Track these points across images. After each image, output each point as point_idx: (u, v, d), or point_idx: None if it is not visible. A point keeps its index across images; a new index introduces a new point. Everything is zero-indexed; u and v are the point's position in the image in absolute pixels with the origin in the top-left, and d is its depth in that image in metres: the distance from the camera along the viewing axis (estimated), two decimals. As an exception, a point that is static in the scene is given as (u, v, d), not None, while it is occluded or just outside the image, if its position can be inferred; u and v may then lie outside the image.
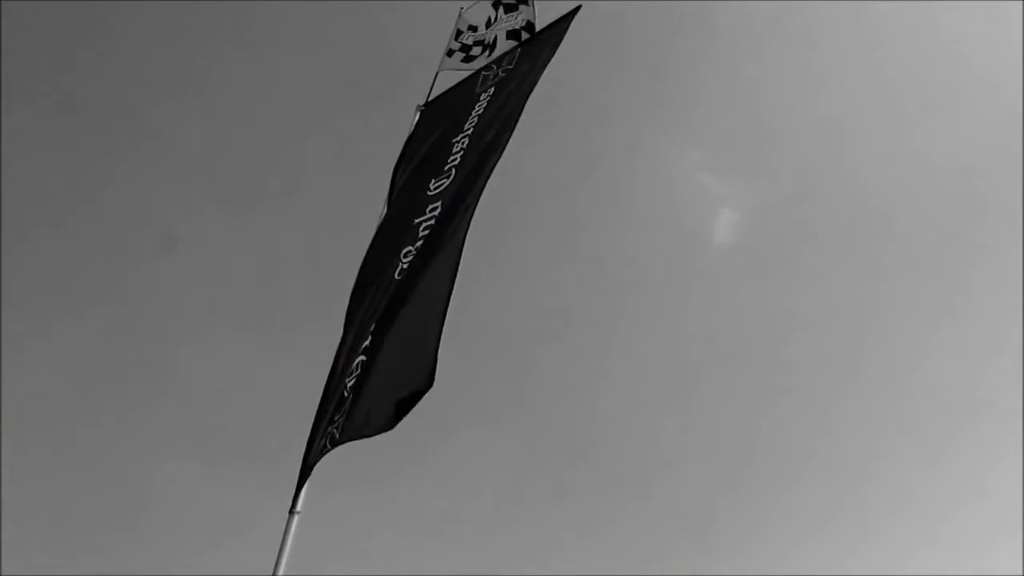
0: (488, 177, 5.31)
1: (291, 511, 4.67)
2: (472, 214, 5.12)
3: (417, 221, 5.45)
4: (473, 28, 7.18)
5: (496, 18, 7.05)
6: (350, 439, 4.60)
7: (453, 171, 5.64)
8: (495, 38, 6.90)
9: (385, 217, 5.97)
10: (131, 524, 12.80)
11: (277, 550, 4.53)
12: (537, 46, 6.37)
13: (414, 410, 4.43)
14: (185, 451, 13.80)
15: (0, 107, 13.48)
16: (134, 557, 12.19)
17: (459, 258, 4.88)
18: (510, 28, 6.83)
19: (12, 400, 12.17)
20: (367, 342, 4.96)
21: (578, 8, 6.20)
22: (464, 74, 6.83)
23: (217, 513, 13.26)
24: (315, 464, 4.73)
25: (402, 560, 13.02)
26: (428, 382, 4.37)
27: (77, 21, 16.04)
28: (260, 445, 13.74)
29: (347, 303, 5.50)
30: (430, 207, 5.47)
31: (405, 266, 5.23)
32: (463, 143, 5.80)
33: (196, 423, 14.05)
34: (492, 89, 6.20)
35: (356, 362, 4.93)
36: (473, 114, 6.03)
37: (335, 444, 4.64)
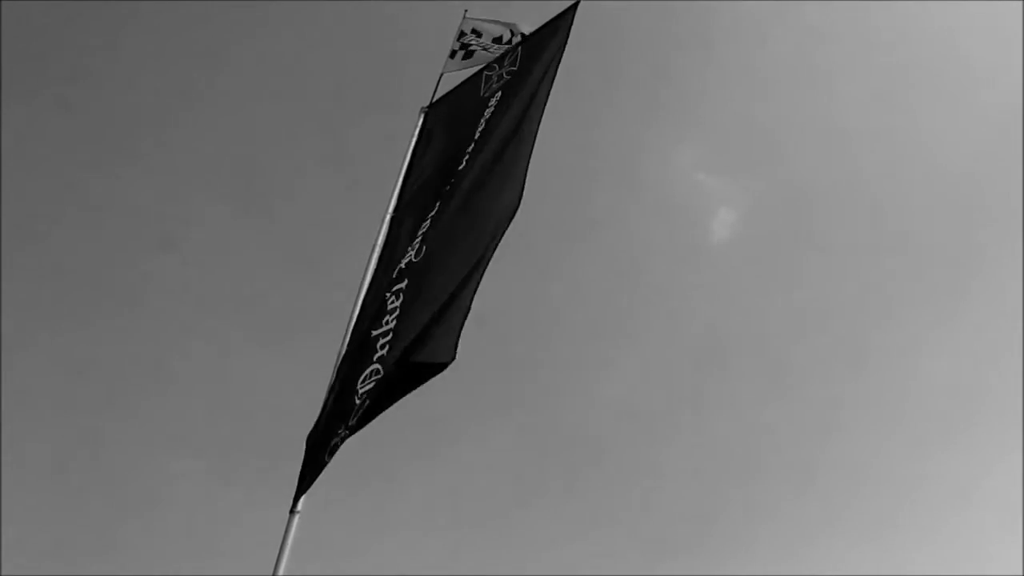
0: (519, 187, 5.47)
1: (291, 511, 4.68)
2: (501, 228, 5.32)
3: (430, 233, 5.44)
4: (476, 31, 7.19)
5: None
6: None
7: (466, 183, 5.59)
8: (485, 30, 7.05)
9: (396, 227, 5.91)
10: (130, 524, 12.84)
11: (277, 550, 4.54)
12: (539, 43, 6.27)
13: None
14: (185, 451, 13.83)
15: (0, 107, 13.49)
16: (134, 557, 12.23)
17: (483, 272, 5.10)
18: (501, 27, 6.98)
19: (15, 400, 12.20)
20: (381, 353, 4.97)
21: (576, 4, 6.11)
22: (466, 74, 6.80)
23: (218, 513, 13.30)
24: (329, 462, 4.77)
25: (402, 560, 13.05)
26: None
27: (77, 22, 16.07)
28: (261, 445, 13.77)
29: (350, 312, 5.46)
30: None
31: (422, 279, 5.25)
32: (476, 156, 5.73)
33: (197, 423, 14.08)
34: (500, 93, 6.12)
35: (369, 370, 4.93)
36: (482, 120, 5.96)
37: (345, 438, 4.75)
